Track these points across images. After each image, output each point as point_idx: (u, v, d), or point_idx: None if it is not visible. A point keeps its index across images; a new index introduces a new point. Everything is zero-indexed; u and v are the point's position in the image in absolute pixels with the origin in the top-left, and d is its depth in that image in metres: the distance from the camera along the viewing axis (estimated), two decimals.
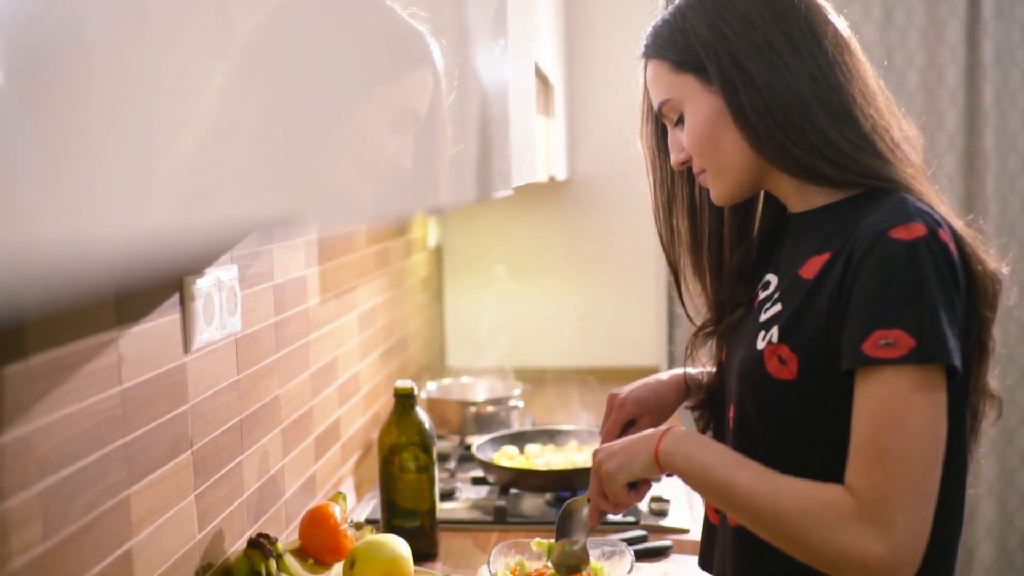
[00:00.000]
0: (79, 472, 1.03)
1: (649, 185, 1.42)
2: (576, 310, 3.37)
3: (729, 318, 1.34)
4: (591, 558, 1.47)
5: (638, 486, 1.32)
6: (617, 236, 3.34)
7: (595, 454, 1.33)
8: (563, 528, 1.42)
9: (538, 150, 2.05)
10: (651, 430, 1.28)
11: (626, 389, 1.48)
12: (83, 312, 1.05)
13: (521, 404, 2.47)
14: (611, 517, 1.84)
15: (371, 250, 2.34)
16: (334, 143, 0.64)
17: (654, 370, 3.30)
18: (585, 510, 1.41)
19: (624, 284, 3.36)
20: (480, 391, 2.61)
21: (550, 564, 1.44)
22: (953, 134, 3.61)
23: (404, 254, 2.75)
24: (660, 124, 1.36)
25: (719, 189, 1.27)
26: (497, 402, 2.42)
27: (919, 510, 1.03)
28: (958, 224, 1.14)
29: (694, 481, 1.21)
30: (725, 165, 1.24)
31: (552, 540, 1.45)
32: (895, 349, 1.04)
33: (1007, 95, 3.63)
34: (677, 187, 1.38)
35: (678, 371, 1.52)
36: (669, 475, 1.27)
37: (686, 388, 1.48)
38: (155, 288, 1.21)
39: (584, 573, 1.41)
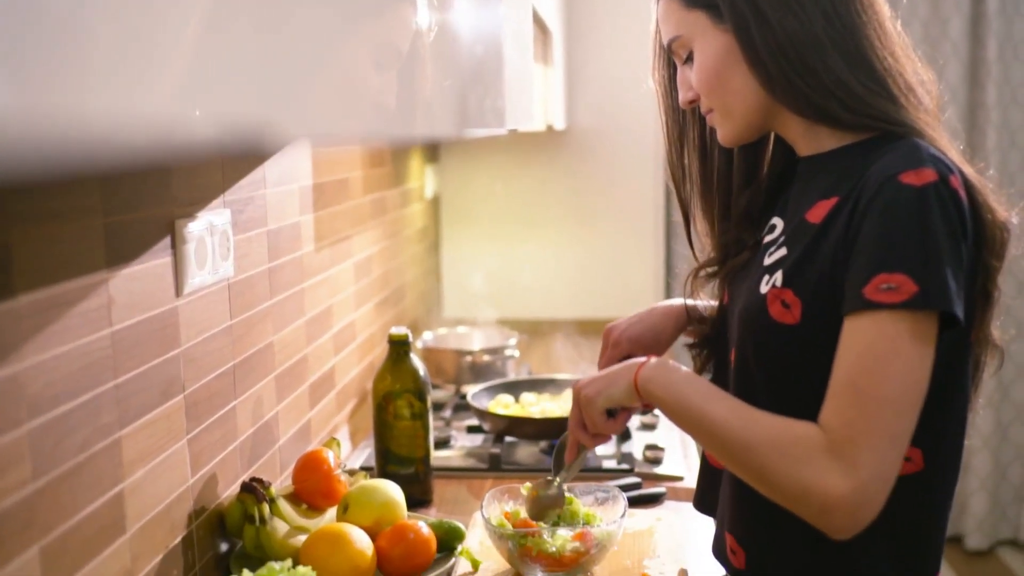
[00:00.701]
0: (70, 413, 1.02)
1: (660, 123, 1.41)
2: (573, 261, 3.36)
3: (733, 260, 1.33)
4: (585, 505, 1.48)
5: (616, 415, 1.32)
6: (615, 187, 3.32)
7: (576, 382, 1.33)
8: (558, 464, 1.43)
9: (535, 97, 2.03)
10: (633, 360, 1.28)
11: (622, 325, 1.48)
12: (72, 252, 1.04)
13: (517, 353, 2.47)
14: (606, 464, 1.85)
15: (367, 199, 2.33)
16: (320, 66, 0.63)
17: None
18: (550, 489, 1.42)
19: (622, 236, 3.35)
20: (476, 341, 2.61)
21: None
22: (955, 87, 3.58)
23: (400, 204, 2.74)
24: (671, 62, 1.35)
25: (726, 130, 1.26)
26: (493, 351, 2.42)
27: (888, 454, 1.03)
28: (970, 171, 1.13)
29: (670, 410, 1.21)
30: (733, 105, 1.23)
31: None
32: (897, 294, 1.03)
33: (1011, 47, 3.60)
34: (688, 126, 1.37)
35: (676, 301, 1.51)
36: (647, 407, 1.28)
37: (685, 319, 1.48)
38: (145, 230, 1.20)
39: (558, 514, 1.41)
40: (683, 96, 1.30)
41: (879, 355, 1.03)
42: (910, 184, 1.05)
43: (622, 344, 1.45)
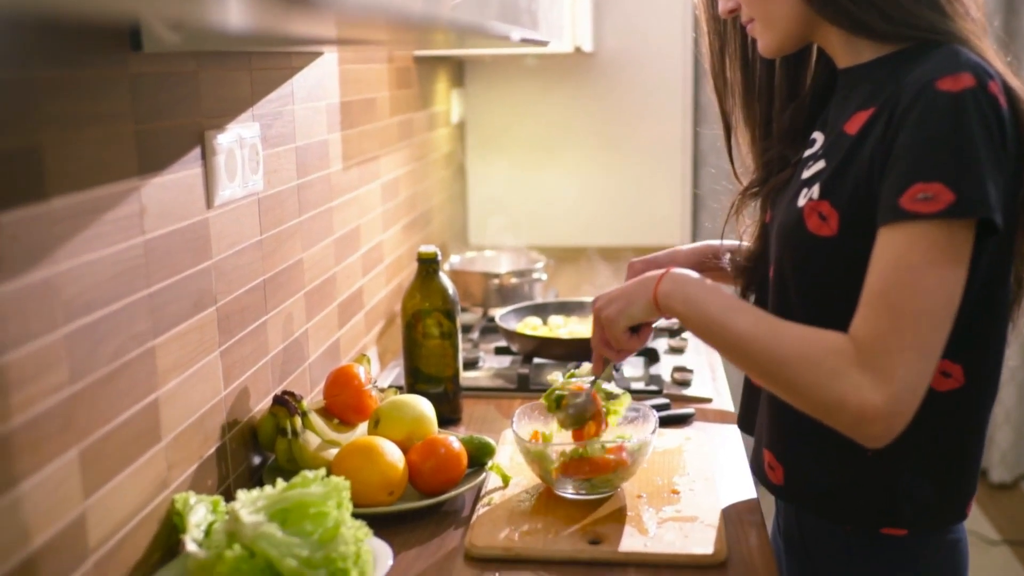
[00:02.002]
0: (104, 319, 1.02)
1: (702, 33, 1.39)
2: (601, 188, 3.33)
3: (775, 178, 1.31)
4: (615, 423, 1.47)
5: (639, 330, 1.32)
6: (644, 113, 3.28)
7: (595, 302, 1.33)
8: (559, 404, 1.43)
9: (565, 13, 1.99)
10: (651, 273, 1.27)
11: (646, 259, 1.48)
12: (104, 158, 1.03)
13: (544, 277, 2.46)
14: (635, 386, 1.85)
15: (394, 120, 2.31)
16: None
17: None
18: (580, 398, 1.41)
19: (650, 162, 3.31)
20: (503, 264, 2.60)
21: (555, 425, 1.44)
22: (991, 14, 3.49)
23: (428, 127, 2.71)
24: None
25: (766, 40, 1.24)
26: (520, 274, 2.41)
27: (920, 366, 1.02)
28: (1013, 79, 1.10)
29: (692, 324, 1.20)
30: (773, 15, 1.20)
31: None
32: (933, 203, 1.01)
33: None
34: (729, 37, 1.35)
35: (700, 244, 1.50)
36: (668, 319, 1.27)
37: (709, 260, 1.47)
38: (176, 139, 1.19)
39: (592, 419, 1.41)
40: (723, 5, 1.27)
41: (913, 267, 1.02)
42: (947, 90, 1.03)
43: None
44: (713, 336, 1.18)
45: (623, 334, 1.30)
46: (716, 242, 1.49)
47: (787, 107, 1.33)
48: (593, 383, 1.41)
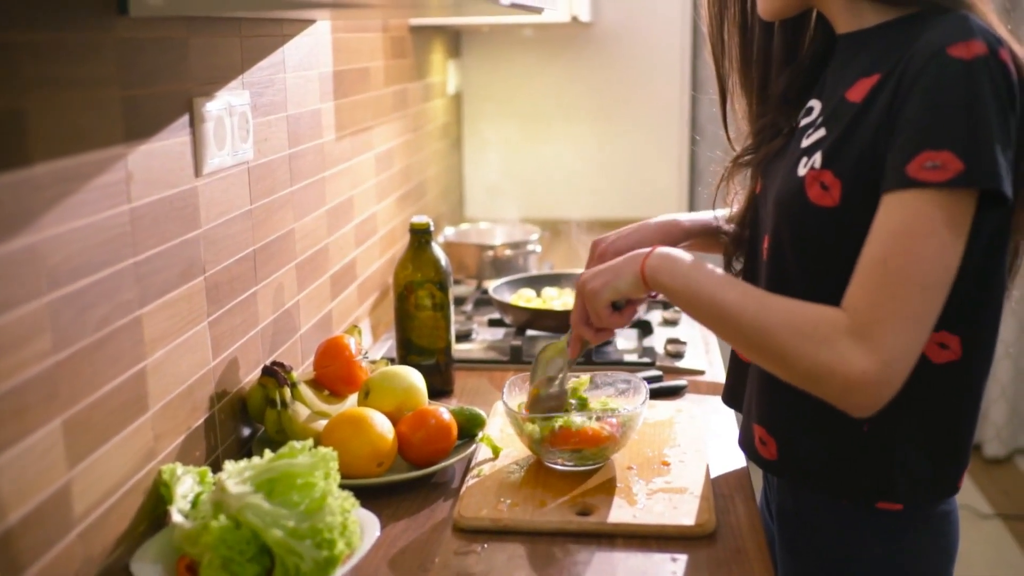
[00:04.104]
0: (89, 287, 1.01)
1: None
2: (598, 160, 3.32)
3: (768, 146, 1.30)
4: (607, 395, 1.47)
5: (622, 309, 1.30)
6: (641, 84, 3.26)
7: (579, 278, 1.31)
8: (535, 374, 1.42)
9: None
10: (638, 250, 1.26)
11: (610, 237, 1.45)
12: (89, 123, 1.02)
13: (539, 249, 2.46)
14: (627, 358, 1.84)
15: (388, 90, 2.29)
16: None
17: None
18: (559, 359, 1.39)
19: (646, 135, 3.30)
20: (498, 236, 2.59)
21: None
22: None
23: (423, 98, 2.69)
24: None
25: (766, 2, 1.22)
26: (515, 246, 2.40)
27: (913, 335, 1.02)
28: (1018, 47, 1.08)
29: (681, 299, 1.19)
30: None
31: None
32: (941, 172, 1.00)
33: None
34: (729, 0, 1.33)
35: (667, 216, 1.48)
36: (654, 296, 1.26)
37: (678, 234, 1.45)
38: (163, 106, 1.18)
39: (564, 412, 1.39)
40: None
41: (915, 235, 1.01)
42: (959, 57, 1.01)
43: (607, 256, 1.41)
44: (702, 310, 1.17)
45: (605, 309, 1.28)
46: (683, 215, 1.48)
47: (783, 71, 1.32)
48: (566, 367, 1.39)
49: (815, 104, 1.23)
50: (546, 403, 1.39)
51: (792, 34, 1.32)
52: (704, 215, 1.47)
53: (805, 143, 1.19)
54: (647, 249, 1.24)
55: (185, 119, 1.23)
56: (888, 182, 1.04)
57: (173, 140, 1.20)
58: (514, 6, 1.25)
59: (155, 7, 1.09)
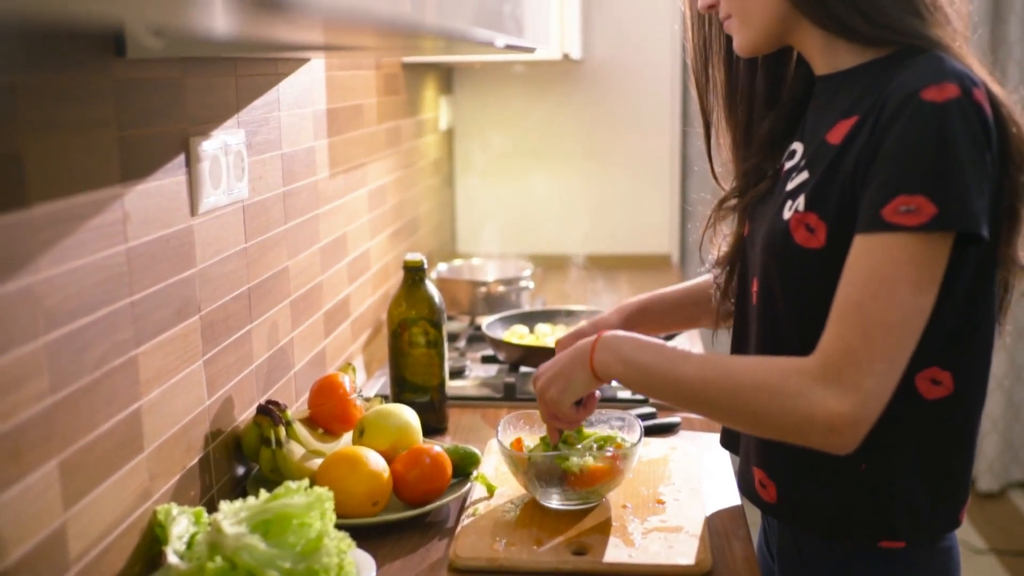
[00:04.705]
0: (87, 327, 1.01)
1: (685, 27, 1.38)
2: (589, 196, 3.33)
3: (754, 190, 1.31)
4: (600, 433, 1.47)
5: (585, 402, 1.33)
6: (632, 121, 3.28)
7: (534, 381, 1.33)
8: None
9: (552, 19, 1.99)
10: (583, 342, 1.27)
11: (572, 333, 1.47)
12: (86, 164, 1.02)
13: (532, 285, 2.46)
14: (621, 395, 1.84)
15: (382, 127, 2.30)
16: None
17: (666, 259, 3.29)
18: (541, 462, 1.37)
19: (638, 171, 3.32)
20: (490, 273, 2.60)
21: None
22: (977, 22, 3.51)
23: (415, 134, 2.71)
24: None
25: (743, 37, 1.23)
26: (508, 282, 2.41)
27: (888, 376, 1.03)
28: (996, 87, 1.10)
29: (637, 384, 1.22)
30: (752, 12, 1.19)
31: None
32: (915, 216, 1.01)
33: None
34: (713, 33, 1.34)
35: (629, 302, 1.53)
36: (610, 383, 1.28)
37: (639, 315, 1.50)
38: (160, 146, 1.18)
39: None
40: (703, 0, 1.26)
41: (889, 279, 1.02)
42: (931, 100, 1.03)
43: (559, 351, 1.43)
44: (663, 391, 1.19)
45: (570, 410, 1.31)
46: (642, 296, 1.53)
47: (766, 114, 1.33)
48: (556, 454, 1.38)
49: (797, 147, 1.24)
50: (540, 471, 1.37)
51: (774, 73, 1.33)
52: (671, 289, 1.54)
53: (790, 186, 1.20)
54: (591, 339, 1.26)
55: (181, 159, 1.24)
56: (863, 225, 1.05)
57: (169, 180, 1.20)
58: (508, 47, 1.26)
59: (151, 49, 1.10)
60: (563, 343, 1.45)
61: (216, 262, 1.35)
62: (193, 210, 1.27)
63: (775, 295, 1.21)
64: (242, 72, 1.43)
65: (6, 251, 0.89)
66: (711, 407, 1.15)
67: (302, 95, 1.70)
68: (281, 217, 1.60)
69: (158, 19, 0.43)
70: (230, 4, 0.48)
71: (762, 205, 1.28)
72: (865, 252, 1.04)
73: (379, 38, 0.99)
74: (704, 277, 1.51)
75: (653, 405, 1.80)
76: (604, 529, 1.31)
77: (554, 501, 1.37)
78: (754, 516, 1.46)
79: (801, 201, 1.15)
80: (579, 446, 1.39)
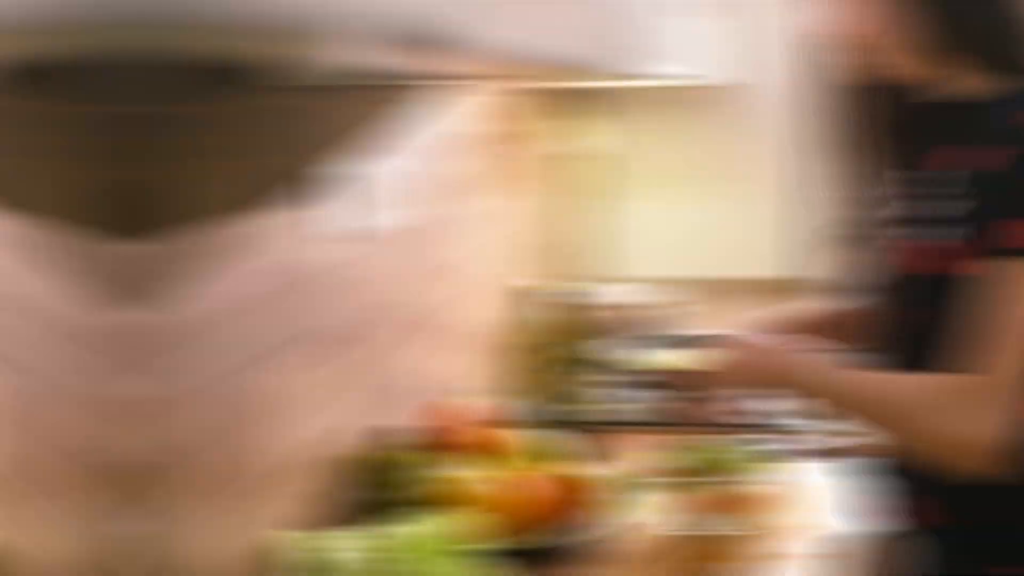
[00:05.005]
0: (240, 352, 1.04)
1: (814, 59, 1.39)
2: (739, 218, 3.27)
3: (880, 216, 1.28)
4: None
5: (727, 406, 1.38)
6: (772, 148, 3.22)
7: (708, 377, 1.39)
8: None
9: (702, 49, 1.97)
10: (764, 349, 1.30)
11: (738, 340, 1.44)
12: (250, 193, 1.05)
13: (683, 310, 2.44)
14: (774, 421, 1.80)
15: (538, 151, 2.31)
16: None
17: (810, 283, 3.19)
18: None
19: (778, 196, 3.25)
20: (645, 296, 2.58)
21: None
22: None
23: (572, 158, 2.72)
24: None
25: (879, 67, 1.23)
26: (656, 307, 2.39)
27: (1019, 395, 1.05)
28: None
29: (808, 394, 1.24)
30: (878, 39, 1.20)
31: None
32: None
33: None
34: (846, 64, 1.33)
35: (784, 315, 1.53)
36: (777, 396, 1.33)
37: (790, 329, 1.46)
38: (319, 172, 1.22)
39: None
40: (844, 27, 1.25)
41: (1019, 300, 1.05)
42: None
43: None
44: (836, 404, 1.21)
45: (727, 405, 1.35)
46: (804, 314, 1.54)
47: (885, 141, 1.31)
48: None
49: (906, 174, 1.23)
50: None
51: (895, 102, 1.30)
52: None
53: (913, 213, 1.19)
54: (774, 348, 1.29)
55: (339, 186, 1.26)
56: (990, 250, 1.07)
57: (327, 207, 1.23)
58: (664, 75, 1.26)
59: (319, 79, 1.13)
60: (735, 349, 1.44)
61: (340, 286, 1.35)
62: (347, 237, 1.29)
63: (924, 324, 1.18)
64: (400, 98, 1.46)
65: (174, 274, 0.92)
66: (878, 422, 1.17)
67: (460, 120, 1.72)
68: (432, 242, 1.62)
69: (326, 59, 0.45)
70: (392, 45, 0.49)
71: (887, 232, 1.26)
72: (996, 276, 1.07)
73: (547, 75, 1.01)
74: (847, 301, 1.47)
75: (808, 431, 1.75)
76: (761, 557, 1.29)
77: (711, 528, 1.35)
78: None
79: (931, 229, 1.16)
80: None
